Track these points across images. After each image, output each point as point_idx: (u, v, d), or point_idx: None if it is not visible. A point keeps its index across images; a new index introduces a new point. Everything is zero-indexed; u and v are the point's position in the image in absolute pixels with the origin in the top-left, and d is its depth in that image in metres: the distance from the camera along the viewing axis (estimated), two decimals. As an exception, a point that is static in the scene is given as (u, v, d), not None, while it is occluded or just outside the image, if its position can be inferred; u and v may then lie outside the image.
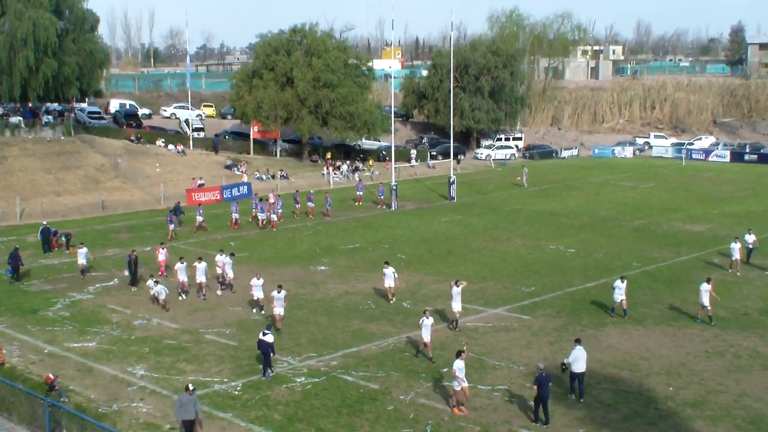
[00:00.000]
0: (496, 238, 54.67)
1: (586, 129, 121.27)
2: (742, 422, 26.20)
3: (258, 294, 37.51)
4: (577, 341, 28.79)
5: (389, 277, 39.39)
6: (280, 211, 60.61)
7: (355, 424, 26.16)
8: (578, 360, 28.04)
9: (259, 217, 59.15)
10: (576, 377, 28.19)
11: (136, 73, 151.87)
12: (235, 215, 58.91)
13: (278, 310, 34.93)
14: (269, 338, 30.29)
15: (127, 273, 42.70)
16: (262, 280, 37.85)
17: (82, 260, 44.59)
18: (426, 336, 31.74)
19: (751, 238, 47.11)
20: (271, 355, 30.29)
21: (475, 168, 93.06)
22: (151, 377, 30.19)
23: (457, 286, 35.21)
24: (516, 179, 77.72)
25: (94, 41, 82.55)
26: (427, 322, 31.81)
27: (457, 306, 35.18)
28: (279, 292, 34.85)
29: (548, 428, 26.08)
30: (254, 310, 37.97)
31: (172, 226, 55.83)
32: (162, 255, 45.10)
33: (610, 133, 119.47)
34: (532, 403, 26.81)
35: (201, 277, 40.30)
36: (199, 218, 58.31)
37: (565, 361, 28.50)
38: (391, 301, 39.46)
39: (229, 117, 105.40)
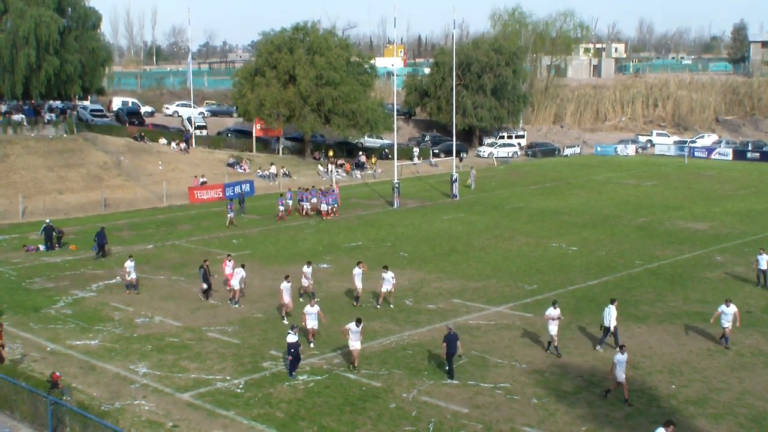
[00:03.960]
0: (498, 236, 54.66)
1: (589, 127, 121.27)
2: (744, 420, 26.20)
3: (312, 323, 33.05)
4: (612, 301, 33.03)
5: (359, 277, 38.35)
6: (335, 205, 62.63)
7: (358, 422, 26.17)
8: (607, 316, 32.34)
9: (305, 206, 62.11)
10: (606, 331, 32.43)
11: (138, 71, 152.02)
12: (230, 214, 58.98)
13: (355, 344, 30.56)
14: (291, 338, 29.75)
15: (204, 285, 40.08)
16: (317, 308, 33.35)
17: (133, 275, 41.16)
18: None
19: (764, 259, 41.77)
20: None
21: (477, 166, 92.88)
22: (154, 375, 30.21)
23: (555, 309, 32.28)
24: (467, 182, 76.77)
25: (96, 39, 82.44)
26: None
27: (554, 329, 32.16)
28: (358, 325, 30.40)
29: (452, 382, 29.31)
30: (311, 344, 33.20)
31: (231, 214, 58.77)
32: (229, 267, 40.60)
33: (613, 131, 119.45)
34: (534, 400, 26.88)
35: (287, 298, 36.61)
36: (281, 208, 60.96)
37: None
38: (355, 304, 38.57)
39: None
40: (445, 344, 29.74)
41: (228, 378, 29.85)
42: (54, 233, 51.96)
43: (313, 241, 53.74)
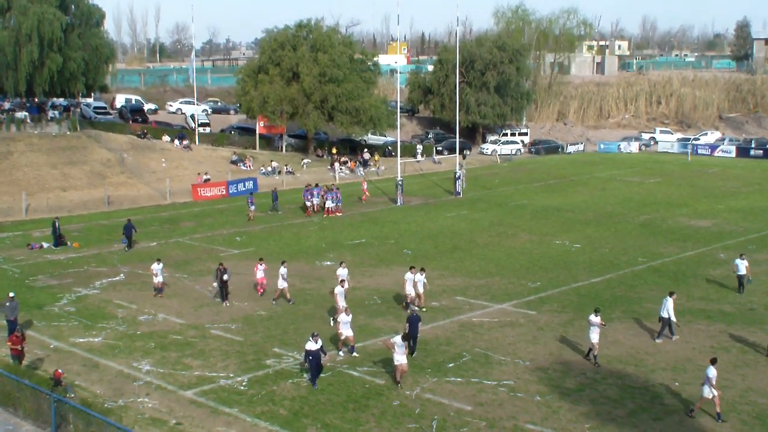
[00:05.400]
0: (501, 234, 54.63)
1: (592, 124, 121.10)
2: (748, 417, 26.18)
3: (346, 332, 31.76)
4: (671, 294, 33.74)
5: (410, 282, 37.17)
6: (339, 204, 62.52)
7: (361, 419, 26.18)
8: (665, 308, 33.28)
9: (314, 203, 62.02)
10: (663, 322, 33.35)
11: (141, 69, 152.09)
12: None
13: (400, 358, 28.82)
14: (310, 345, 28.69)
15: (215, 284, 39.47)
16: (350, 317, 32.18)
17: (160, 278, 40.10)
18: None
19: (743, 264, 40.21)
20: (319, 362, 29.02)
21: (480, 163, 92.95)
22: (157, 372, 30.23)
23: (596, 316, 31.17)
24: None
25: (99, 36, 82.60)
26: (595, 320, 31.03)
27: (595, 337, 30.93)
28: (404, 340, 29.20)
29: (413, 357, 30.98)
30: (341, 353, 32.04)
31: (252, 208, 59.70)
32: (260, 272, 39.94)
33: (616, 129, 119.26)
34: (538, 398, 26.90)
35: (342, 303, 34.98)
36: (307, 204, 61.92)
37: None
38: (419, 308, 36.88)
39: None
40: (407, 325, 31.34)
41: (231, 375, 29.86)
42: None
43: (316, 238, 53.72)
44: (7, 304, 33.25)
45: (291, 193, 68.18)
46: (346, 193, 66.75)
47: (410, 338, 31.26)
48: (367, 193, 68.36)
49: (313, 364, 28.68)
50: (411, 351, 31.23)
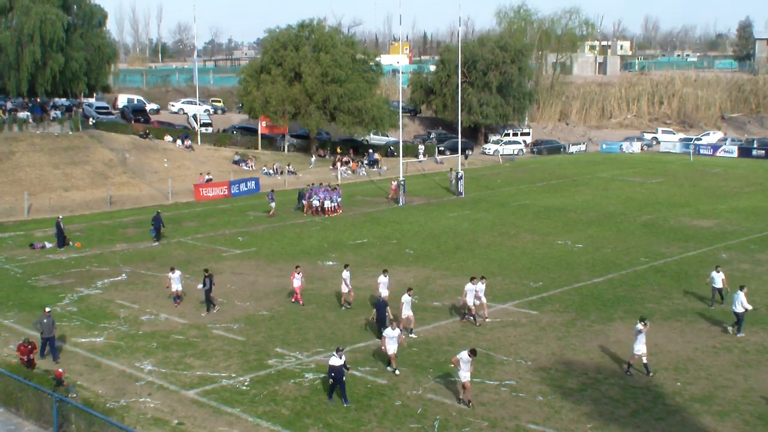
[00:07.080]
0: (504, 234, 54.60)
1: (594, 124, 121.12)
2: (750, 417, 26.15)
3: (391, 348, 29.98)
4: (741, 288, 34.19)
5: (471, 294, 35.34)
6: (338, 201, 63.03)
7: (363, 419, 26.17)
8: (736, 301, 33.78)
9: (314, 204, 61.98)
10: (737, 316, 33.87)
11: (144, 69, 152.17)
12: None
13: (465, 374, 27.12)
14: (334, 360, 27.38)
15: (200, 286, 38.07)
16: (397, 331, 30.02)
17: (177, 286, 38.53)
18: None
19: (719, 277, 38.13)
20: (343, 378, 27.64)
21: (483, 163, 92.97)
22: (159, 372, 30.22)
23: (645, 325, 29.76)
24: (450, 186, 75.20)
25: (102, 36, 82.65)
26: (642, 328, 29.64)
27: (641, 347, 29.49)
28: (471, 356, 27.11)
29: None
30: (389, 368, 30.26)
31: (273, 204, 61.18)
32: (297, 280, 38.37)
33: (618, 129, 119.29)
34: (540, 398, 26.86)
35: (407, 311, 33.94)
36: (312, 202, 62.17)
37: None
38: (475, 323, 35.78)
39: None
40: (375, 311, 33.65)
41: (233, 375, 29.86)
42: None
43: (318, 238, 53.71)
44: (44, 320, 31.73)
45: (294, 193, 68.04)
46: (348, 193, 66.70)
47: (379, 323, 33.12)
48: (393, 192, 68.47)
49: (337, 380, 27.46)
50: (380, 336, 32.38)
